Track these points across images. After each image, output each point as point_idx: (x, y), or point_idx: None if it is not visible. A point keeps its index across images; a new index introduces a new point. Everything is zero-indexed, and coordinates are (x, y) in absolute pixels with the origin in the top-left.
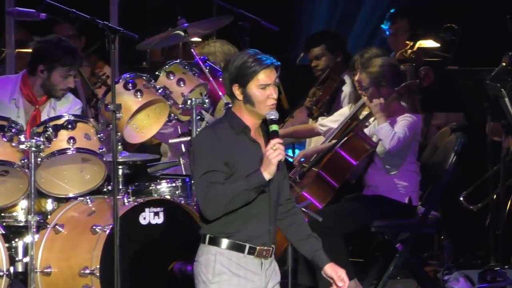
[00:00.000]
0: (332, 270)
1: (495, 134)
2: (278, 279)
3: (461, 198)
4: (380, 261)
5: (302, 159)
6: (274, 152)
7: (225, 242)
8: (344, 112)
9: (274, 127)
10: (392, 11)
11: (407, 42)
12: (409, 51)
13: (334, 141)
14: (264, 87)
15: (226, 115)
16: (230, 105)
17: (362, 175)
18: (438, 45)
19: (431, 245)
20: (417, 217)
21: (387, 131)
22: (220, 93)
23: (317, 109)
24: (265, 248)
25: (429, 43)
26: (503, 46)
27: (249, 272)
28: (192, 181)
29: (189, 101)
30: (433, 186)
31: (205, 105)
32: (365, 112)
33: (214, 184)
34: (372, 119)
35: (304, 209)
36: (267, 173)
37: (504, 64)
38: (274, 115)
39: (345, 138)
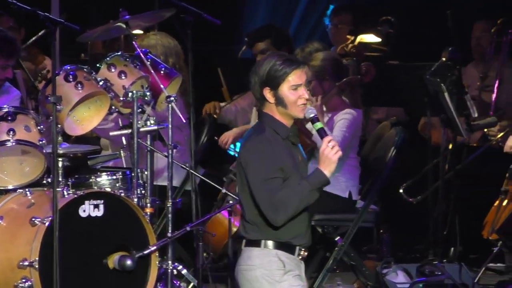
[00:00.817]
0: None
1: (423, 131)
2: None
3: (401, 191)
4: (320, 254)
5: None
6: (332, 150)
7: (279, 243)
8: None
9: (318, 125)
10: (335, 5)
11: (348, 36)
12: (350, 45)
13: None
14: (295, 87)
15: (264, 120)
16: (171, 98)
17: None
18: (379, 39)
19: (370, 239)
20: (357, 211)
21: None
22: (162, 86)
23: None
24: (304, 249)
25: (370, 38)
26: (443, 42)
27: (299, 272)
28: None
29: (130, 94)
30: (373, 180)
31: (146, 98)
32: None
33: (276, 191)
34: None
35: None
36: (328, 172)
37: (444, 59)
38: (313, 113)
39: None
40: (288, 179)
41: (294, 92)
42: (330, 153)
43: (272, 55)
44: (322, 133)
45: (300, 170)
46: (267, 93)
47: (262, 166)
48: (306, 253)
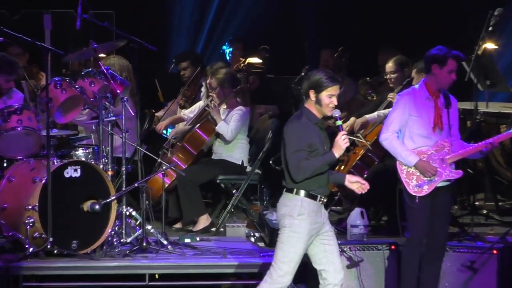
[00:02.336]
0: (354, 177)
1: None
2: (327, 220)
3: (271, 162)
4: (222, 202)
5: (173, 137)
6: (344, 140)
7: (307, 193)
8: (200, 104)
9: (339, 122)
10: (231, 37)
11: (240, 58)
12: (242, 64)
13: (190, 126)
14: (331, 96)
15: (303, 111)
16: (124, 99)
17: (211, 146)
18: (260, 61)
19: (255, 191)
20: (246, 173)
21: (224, 128)
22: (118, 91)
23: (188, 105)
24: (324, 196)
25: (254, 60)
26: (303, 61)
27: (315, 214)
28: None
29: (97, 96)
30: (257, 153)
31: (107, 99)
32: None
33: (302, 159)
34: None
35: (173, 168)
36: (337, 154)
37: (303, 73)
38: (338, 113)
39: (201, 122)
40: (313, 153)
41: (329, 99)
42: (342, 142)
43: (322, 70)
44: (340, 128)
45: (324, 145)
46: (311, 94)
47: (295, 140)
48: (325, 200)
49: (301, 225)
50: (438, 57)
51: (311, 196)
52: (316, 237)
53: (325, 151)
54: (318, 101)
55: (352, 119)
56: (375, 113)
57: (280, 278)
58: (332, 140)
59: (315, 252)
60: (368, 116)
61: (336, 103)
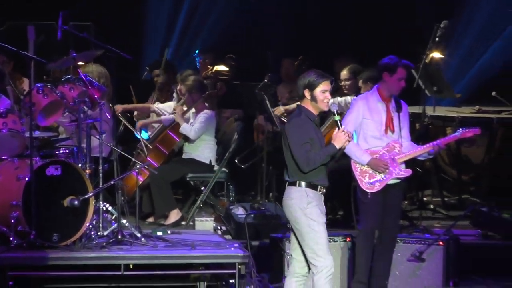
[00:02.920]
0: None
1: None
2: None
3: (236, 161)
4: (192, 198)
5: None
6: (345, 135)
7: (308, 183)
8: (171, 105)
9: (337, 117)
10: (201, 48)
11: (209, 66)
12: (210, 72)
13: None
14: (324, 91)
15: (301, 109)
16: (101, 103)
17: (182, 146)
18: (227, 68)
19: (222, 188)
20: (214, 171)
21: (187, 129)
22: (95, 96)
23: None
24: (324, 187)
25: (222, 68)
26: (266, 69)
27: (320, 202)
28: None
29: (76, 101)
30: (223, 153)
31: (86, 103)
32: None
33: (308, 151)
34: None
35: (146, 167)
36: (338, 146)
37: (266, 80)
38: (335, 107)
39: (172, 125)
40: (313, 146)
41: (323, 94)
42: (342, 135)
43: (311, 70)
44: (339, 123)
45: (320, 141)
46: (306, 93)
47: (299, 134)
48: (324, 190)
49: (314, 211)
50: (389, 65)
51: (312, 186)
52: None
53: (322, 147)
54: (313, 98)
55: None
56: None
57: (324, 262)
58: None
59: (295, 240)
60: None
61: (329, 97)
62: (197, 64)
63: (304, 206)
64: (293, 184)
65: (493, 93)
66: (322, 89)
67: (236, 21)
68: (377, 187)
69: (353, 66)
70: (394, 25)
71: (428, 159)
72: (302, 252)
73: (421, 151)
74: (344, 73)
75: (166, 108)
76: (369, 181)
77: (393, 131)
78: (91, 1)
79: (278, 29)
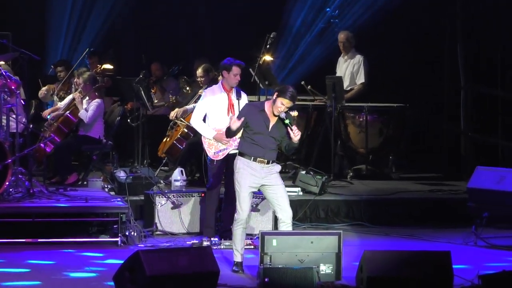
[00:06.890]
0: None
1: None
2: (274, 177)
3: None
4: (86, 164)
5: (49, 116)
6: (298, 132)
7: (243, 154)
8: (71, 96)
9: (286, 120)
10: (89, 51)
11: (98, 65)
12: (99, 70)
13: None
14: (282, 104)
15: (264, 102)
16: (18, 93)
17: (78, 125)
18: (112, 67)
19: (109, 157)
20: (102, 144)
21: (84, 115)
22: (13, 87)
23: (65, 97)
24: (260, 159)
25: (107, 66)
26: (141, 67)
27: (251, 169)
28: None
29: None
30: (109, 130)
31: (6, 92)
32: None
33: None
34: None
35: (52, 140)
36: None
37: (141, 75)
38: (284, 115)
39: (71, 109)
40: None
41: (281, 105)
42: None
43: (290, 89)
44: (290, 124)
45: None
46: (275, 95)
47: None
48: (263, 162)
49: (245, 173)
50: (226, 65)
51: (241, 155)
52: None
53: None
54: (274, 102)
55: (177, 109)
56: (191, 105)
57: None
58: None
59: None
60: (187, 106)
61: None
62: (87, 63)
63: (237, 169)
64: (240, 154)
65: (302, 83)
66: (281, 102)
67: (119, 23)
68: (220, 156)
69: (205, 65)
70: (239, 34)
71: None
72: (277, 203)
73: None
74: (199, 71)
75: (66, 100)
76: (215, 151)
77: (234, 114)
78: (8, 16)
79: (155, 32)
